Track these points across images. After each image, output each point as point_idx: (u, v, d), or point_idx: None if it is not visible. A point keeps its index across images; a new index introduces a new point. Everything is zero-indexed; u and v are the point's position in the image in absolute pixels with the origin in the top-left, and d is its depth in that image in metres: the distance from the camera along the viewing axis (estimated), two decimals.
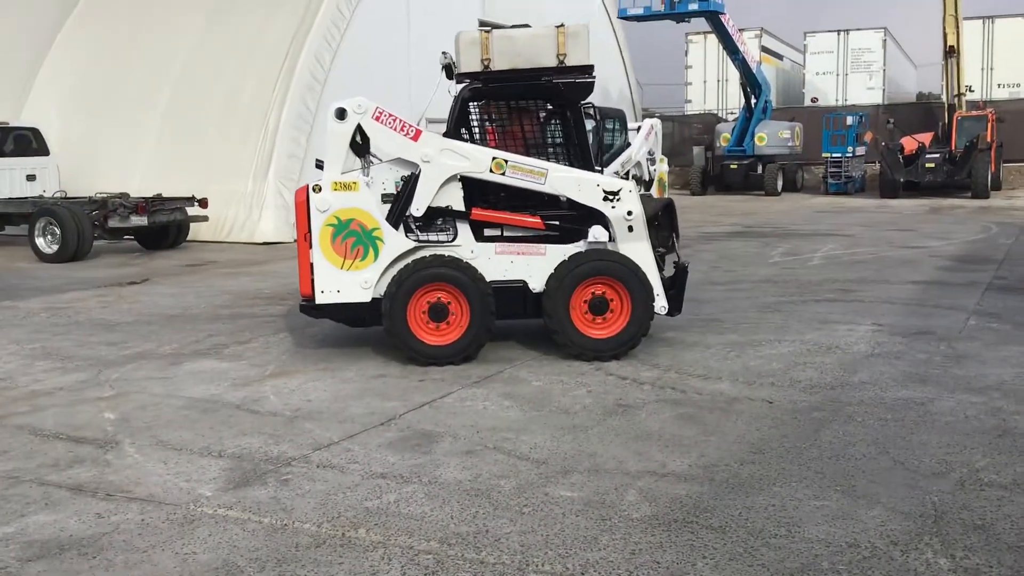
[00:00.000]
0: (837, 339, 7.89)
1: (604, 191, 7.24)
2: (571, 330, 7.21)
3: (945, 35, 28.06)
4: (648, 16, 29.56)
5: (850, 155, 30.13)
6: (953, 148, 27.08)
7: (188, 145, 18.36)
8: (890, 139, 28.15)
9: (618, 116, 14.93)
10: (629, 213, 7.26)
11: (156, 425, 5.77)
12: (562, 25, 7.35)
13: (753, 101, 31.06)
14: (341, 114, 7.11)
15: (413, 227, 7.28)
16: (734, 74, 33.37)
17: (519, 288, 7.36)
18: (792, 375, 6.73)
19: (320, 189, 7.14)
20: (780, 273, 12.08)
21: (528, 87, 7.51)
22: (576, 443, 5.30)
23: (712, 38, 33.94)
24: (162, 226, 15.96)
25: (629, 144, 14.22)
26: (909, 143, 28.01)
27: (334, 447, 5.30)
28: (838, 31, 39.42)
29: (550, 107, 7.77)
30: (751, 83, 31.05)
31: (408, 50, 20.03)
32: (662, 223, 7.95)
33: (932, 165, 26.53)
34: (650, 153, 14.79)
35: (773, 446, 5.17)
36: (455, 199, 7.28)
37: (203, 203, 16.19)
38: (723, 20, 28.79)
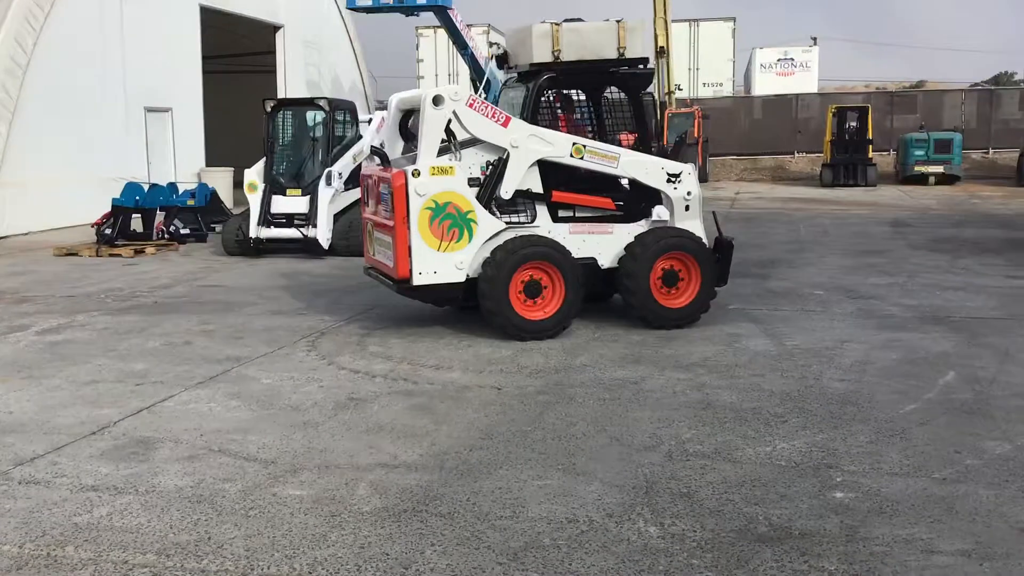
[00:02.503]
0: None
1: (668, 173, 7.94)
2: (650, 300, 7.76)
3: (656, 36, 29.97)
4: (377, 8, 29.41)
5: None
6: (665, 143, 28.93)
7: None
8: None
9: (349, 108, 14.81)
10: (688, 193, 7.98)
11: None
12: (622, 20, 7.99)
13: (483, 96, 31.78)
14: (438, 100, 7.37)
15: (495, 209, 7.59)
16: (465, 68, 33.96)
17: (590, 265, 7.86)
18: (519, 361, 6.95)
19: (419, 174, 7.32)
20: None
21: (598, 77, 8.22)
22: (306, 440, 5.20)
23: (442, 32, 34.32)
24: None
25: (361, 136, 14.14)
26: (625, 138, 29.72)
27: (38, 461, 4.89)
28: None
29: (617, 95, 8.44)
30: (480, 78, 31.73)
31: (122, 33, 18.78)
32: None
33: None
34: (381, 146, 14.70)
35: (501, 431, 5.32)
36: (535, 182, 7.72)
37: None
38: (451, 15, 29.17)
